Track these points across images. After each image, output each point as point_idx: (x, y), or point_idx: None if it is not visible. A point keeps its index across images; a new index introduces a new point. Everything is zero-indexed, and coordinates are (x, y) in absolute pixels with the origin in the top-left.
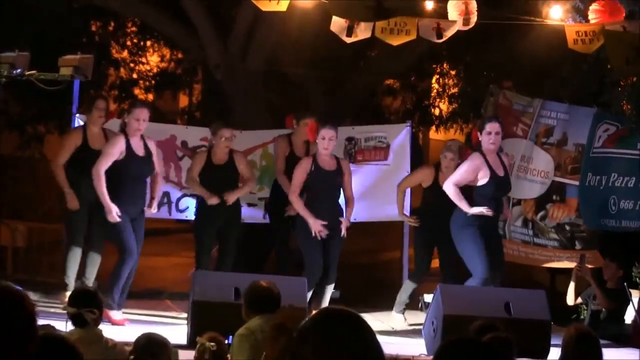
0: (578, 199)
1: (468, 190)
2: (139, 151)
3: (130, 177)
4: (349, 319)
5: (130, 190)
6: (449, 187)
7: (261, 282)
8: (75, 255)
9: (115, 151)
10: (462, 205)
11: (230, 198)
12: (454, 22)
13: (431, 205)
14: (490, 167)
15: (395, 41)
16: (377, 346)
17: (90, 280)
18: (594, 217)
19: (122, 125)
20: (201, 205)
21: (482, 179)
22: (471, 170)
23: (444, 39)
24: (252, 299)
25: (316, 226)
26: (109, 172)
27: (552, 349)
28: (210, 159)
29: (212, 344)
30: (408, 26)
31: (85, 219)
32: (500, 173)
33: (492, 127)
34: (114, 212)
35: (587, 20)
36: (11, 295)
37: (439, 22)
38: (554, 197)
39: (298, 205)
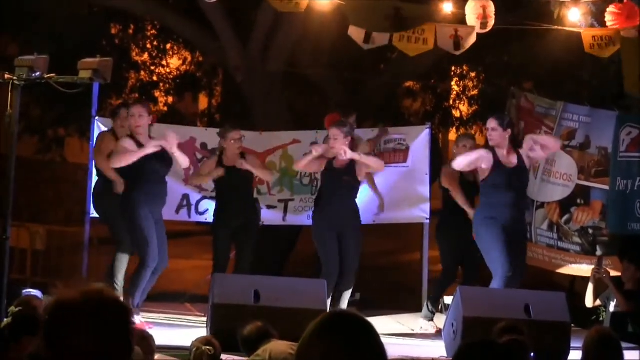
0: (607, 203)
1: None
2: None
3: (151, 175)
4: (355, 324)
5: (151, 189)
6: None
7: (245, 329)
8: (123, 260)
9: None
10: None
11: (245, 165)
12: (472, 28)
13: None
14: (497, 159)
15: (413, 51)
16: (383, 352)
17: (119, 282)
18: (620, 221)
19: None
20: (218, 207)
21: (487, 170)
22: (476, 156)
23: (462, 50)
24: (245, 344)
25: None
26: (126, 173)
27: (571, 351)
28: (222, 162)
29: (209, 347)
30: (426, 34)
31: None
32: (511, 165)
33: (489, 123)
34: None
35: (604, 24)
36: (116, 305)
37: (457, 29)
38: (579, 200)
39: None
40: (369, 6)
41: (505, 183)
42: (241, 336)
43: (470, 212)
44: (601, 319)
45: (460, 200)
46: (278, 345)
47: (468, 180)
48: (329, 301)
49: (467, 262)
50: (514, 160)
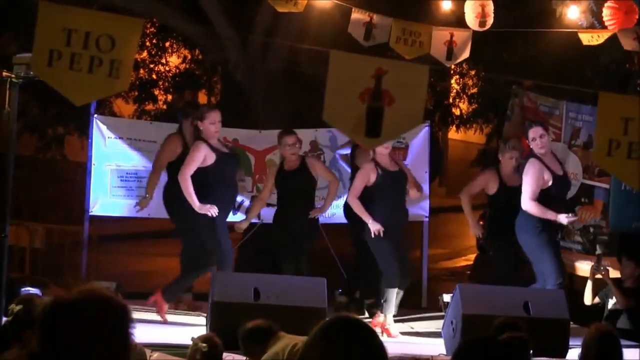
0: (610, 202)
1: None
2: (223, 152)
3: (219, 179)
4: (355, 328)
5: (220, 193)
6: (531, 205)
7: (248, 324)
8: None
9: (199, 156)
10: (550, 216)
11: (317, 212)
12: (468, 32)
13: (501, 211)
14: (549, 168)
15: (409, 54)
16: (383, 355)
17: None
18: (624, 220)
19: (196, 132)
20: (280, 210)
21: (547, 182)
22: (538, 178)
23: (455, 60)
24: (250, 338)
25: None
26: (197, 178)
27: (570, 349)
28: (283, 166)
29: (204, 345)
30: (422, 37)
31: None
32: (560, 172)
33: (534, 132)
34: (207, 208)
35: (602, 21)
36: (111, 304)
37: (453, 33)
38: (583, 199)
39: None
40: (346, 109)
41: (556, 194)
42: (245, 330)
43: None
44: (599, 316)
45: None
46: (291, 340)
47: None
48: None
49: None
50: (559, 171)
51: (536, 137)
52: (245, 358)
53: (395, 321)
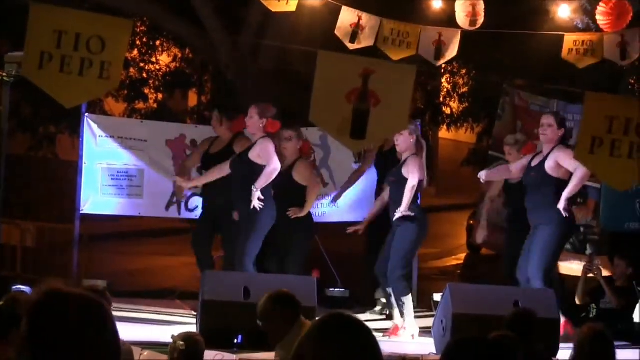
0: (602, 201)
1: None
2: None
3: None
4: (350, 325)
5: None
6: None
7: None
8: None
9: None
10: None
11: (299, 213)
12: (457, 31)
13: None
14: (532, 158)
15: (396, 55)
16: (377, 353)
17: None
18: (617, 219)
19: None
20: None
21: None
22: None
23: (443, 60)
24: (284, 304)
25: None
26: None
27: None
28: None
29: (181, 343)
30: (410, 38)
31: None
32: (533, 163)
33: (545, 118)
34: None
35: (595, 22)
36: (92, 304)
37: (442, 33)
38: (578, 199)
39: None
40: (332, 110)
41: (525, 183)
42: (282, 293)
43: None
44: (591, 315)
45: None
46: None
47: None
48: None
49: None
50: (534, 162)
51: (544, 125)
52: (235, 357)
53: (385, 320)
